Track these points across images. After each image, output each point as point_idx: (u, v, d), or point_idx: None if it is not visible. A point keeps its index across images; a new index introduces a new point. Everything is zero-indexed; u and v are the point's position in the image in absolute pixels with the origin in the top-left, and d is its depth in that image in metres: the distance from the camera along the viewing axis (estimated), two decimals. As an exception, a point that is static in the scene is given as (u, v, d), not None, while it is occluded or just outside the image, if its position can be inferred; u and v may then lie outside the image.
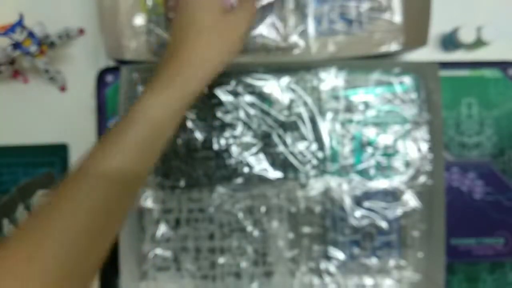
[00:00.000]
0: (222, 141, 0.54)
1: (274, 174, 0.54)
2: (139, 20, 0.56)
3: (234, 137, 0.54)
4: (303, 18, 0.56)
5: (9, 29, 0.49)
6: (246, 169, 0.54)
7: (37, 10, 0.55)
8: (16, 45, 0.51)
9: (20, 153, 0.57)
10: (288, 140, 0.54)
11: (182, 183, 0.54)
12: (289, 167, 0.54)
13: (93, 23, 0.53)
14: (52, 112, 0.57)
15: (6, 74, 0.55)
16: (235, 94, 0.54)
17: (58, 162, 0.56)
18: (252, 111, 0.54)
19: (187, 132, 0.54)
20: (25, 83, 0.57)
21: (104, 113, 0.56)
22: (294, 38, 0.56)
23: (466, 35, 0.55)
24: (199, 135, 0.54)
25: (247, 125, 0.54)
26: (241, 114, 0.54)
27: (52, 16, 0.55)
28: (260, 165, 0.54)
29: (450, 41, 0.57)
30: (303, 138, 0.54)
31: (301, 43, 0.56)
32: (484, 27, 0.55)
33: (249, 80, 0.54)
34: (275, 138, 0.54)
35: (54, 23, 0.54)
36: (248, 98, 0.54)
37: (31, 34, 0.50)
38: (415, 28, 0.53)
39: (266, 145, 0.54)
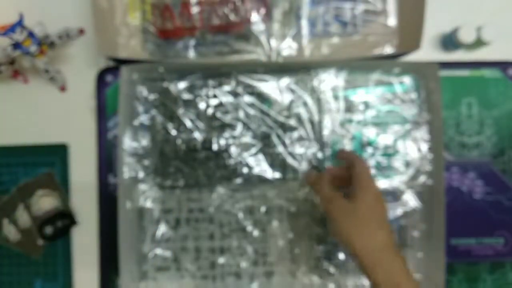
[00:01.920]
0: (222, 142, 0.54)
1: (273, 174, 0.54)
2: (134, 19, 0.56)
3: (234, 137, 0.54)
4: (297, 20, 0.56)
5: (9, 29, 0.49)
6: (245, 170, 0.54)
7: (37, 10, 0.55)
8: (16, 45, 0.51)
9: (20, 153, 0.57)
10: (287, 141, 0.54)
11: (181, 183, 0.54)
12: (288, 167, 0.54)
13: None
14: (52, 112, 0.57)
15: (6, 74, 0.55)
16: (235, 94, 0.54)
17: (58, 162, 0.56)
18: (251, 112, 0.54)
19: (187, 132, 0.54)
20: (25, 83, 0.57)
21: (104, 113, 0.56)
22: (288, 41, 0.56)
23: (466, 35, 0.55)
24: (198, 135, 0.54)
25: (246, 126, 0.54)
26: (241, 115, 0.54)
27: (52, 16, 0.55)
28: (260, 165, 0.54)
29: (450, 41, 0.57)
30: (302, 138, 0.54)
31: (295, 45, 0.56)
32: (484, 27, 0.55)
33: (249, 80, 0.54)
34: (275, 139, 0.54)
35: (54, 23, 0.54)
36: (248, 98, 0.54)
37: (31, 34, 0.50)
38: (409, 32, 0.54)
39: (266, 145, 0.54)
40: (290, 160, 0.54)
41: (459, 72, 0.57)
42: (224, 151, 0.54)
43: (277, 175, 0.54)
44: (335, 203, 0.45)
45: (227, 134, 0.54)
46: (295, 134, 0.54)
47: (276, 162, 0.54)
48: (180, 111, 0.54)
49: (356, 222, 0.43)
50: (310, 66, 0.54)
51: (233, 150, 0.54)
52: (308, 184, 0.52)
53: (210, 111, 0.54)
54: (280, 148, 0.54)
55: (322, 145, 0.54)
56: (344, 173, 0.49)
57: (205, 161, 0.54)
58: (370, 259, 0.42)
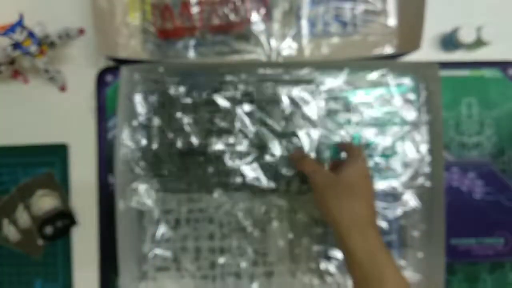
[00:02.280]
0: (219, 147, 0.53)
1: (268, 184, 0.53)
2: (134, 19, 0.56)
3: (231, 144, 0.53)
4: (297, 20, 0.56)
5: (9, 29, 0.49)
6: (240, 179, 0.53)
7: (37, 10, 0.55)
8: (16, 45, 0.51)
9: (20, 153, 0.57)
10: (284, 148, 0.54)
11: (178, 186, 0.53)
12: (284, 177, 0.54)
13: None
14: (52, 112, 0.57)
15: (6, 74, 0.55)
16: (234, 100, 0.54)
17: (58, 162, 0.56)
18: (249, 118, 0.54)
19: (185, 135, 0.53)
20: (25, 83, 0.57)
21: (104, 113, 0.56)
22: (288, 41, 0.56)
23: (466, 35, 0.55)
24: (196, 139, 0.53)
25: (243, 132, 0.54)
26: (238, 121, 0.54)
27: (52, 16, 0.55)
28: (255, 174, 0.53)
29: (450, 41, 0.57)
30: (300, 146, 0.54)
31: (295, 45, 0.56)
32: (484, 27, 0.55)
33: (248, 87, 0.54)
34: (272, 147, 0.54)
35: (54, 23, 0.54)
36: (246, 105, 0.54)
37: (31, 34, 0.50)
38: (409, 32, 0.54)
39: (262, 153, 0.54)
40: (285, 170, 0.54)
41: (459, 72, 0.57)
42: (221, 157, 0.53)
43: (271, 184, 0.53)
44: (320, 174, 0.47)
45: (224, 139, 0.53)
46: (293, 141, 0.54)
47: (272, 170, 0.54)
48: (179, 113, 0.54)
49: (337, 193, 0.45)
50: (310, 66, 0.54)
51: (230, 156, 0.53)
52: (292, 161, 0.53)
53: (208, 115, 0.54)
54: (276, 157, 0.54)
55: (319, 148, 0.54)
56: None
57: (202, 166, 0.53)
58: (347, 227, 0.43)
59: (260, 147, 0.54)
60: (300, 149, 0.54)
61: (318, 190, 0.46)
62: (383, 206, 0.54)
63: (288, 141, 0.54)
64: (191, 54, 0.56)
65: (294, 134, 0.54)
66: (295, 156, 0.52)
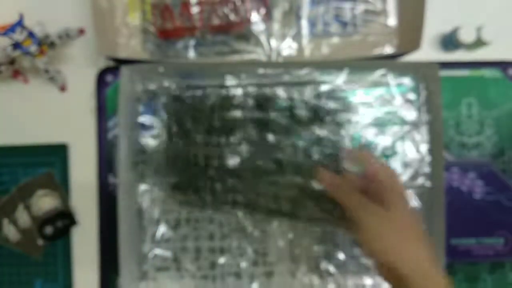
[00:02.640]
0: (219, 148, 0.53)
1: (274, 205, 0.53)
2: (134, 19, 0.56)
3: (230, 144, 0.53)
4: (297, 20, 0.56)
5: (9, 29, 0.49)
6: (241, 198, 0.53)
7: (37, 10, 0.55)
8: (16, 45, 0.51)
9: (20, 153, 0.57)
10: (287, 148, 0.53)
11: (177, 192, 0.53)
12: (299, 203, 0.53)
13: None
14: (52, 112, 0.57)
15: (6, 74, 0.55)
16: (232, 100, 0.54)
17: (58, 162, 0.56)
18: (250, 120, 0.53)
19: (186, 135, 0.53)
20: (25, 83, 0.57)
21: (104, 113, 0.56)
22: (288, 41, 0.56)
23: (466, 35, 0.55)
24: (194, 140, 0.53)
25: (243, 134, 0.53)
26: (239, 121, 0.53)
27: (52, 16, 0.55)
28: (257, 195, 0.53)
29: (450, 41, 0.57)
30: (301, 146, 0.54)
31: (295, 45, 0.56)
32: (484, 27, 0.55)
33: (250, 88, 0.54)
34: (271, 152, 0.53)
35: (54, 23, 0.54)
36: (250, 102, 0.54)
37: (31, 34, 0.50)
38: (409, 32, 0.54)
39: (262, 156, 0.53)
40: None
41: (459, 72, 0.57)
42: (221, 159, 0.53)
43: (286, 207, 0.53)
44: (369, 210, 0.41)
45: (223, 139, 0.53)
46: (296, 143, 0.53)
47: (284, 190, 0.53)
48: (178, 113, 0.54)
49: (395, 232, 0.40)
50: (310, 66, 0.54)
51: (230, 158, 0.53)
52: (327, 186, 0.46)
53: (207, 115, 0.54)
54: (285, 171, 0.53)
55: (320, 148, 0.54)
56: (362, 183, 0.44)
57: (201, 169, 0.53)
58: (417, 273, 0.39)
59: (262, 150, 0.53)
60: (321, 165, 0.48)
61: (366, 229, 0.40)
62: (383, 206, 0.54)
63: (292, 146, 0.53)
64: (191, 54, 0.56)
65: (297, 135, 0.54)
66: (328, 180, 0.45)
